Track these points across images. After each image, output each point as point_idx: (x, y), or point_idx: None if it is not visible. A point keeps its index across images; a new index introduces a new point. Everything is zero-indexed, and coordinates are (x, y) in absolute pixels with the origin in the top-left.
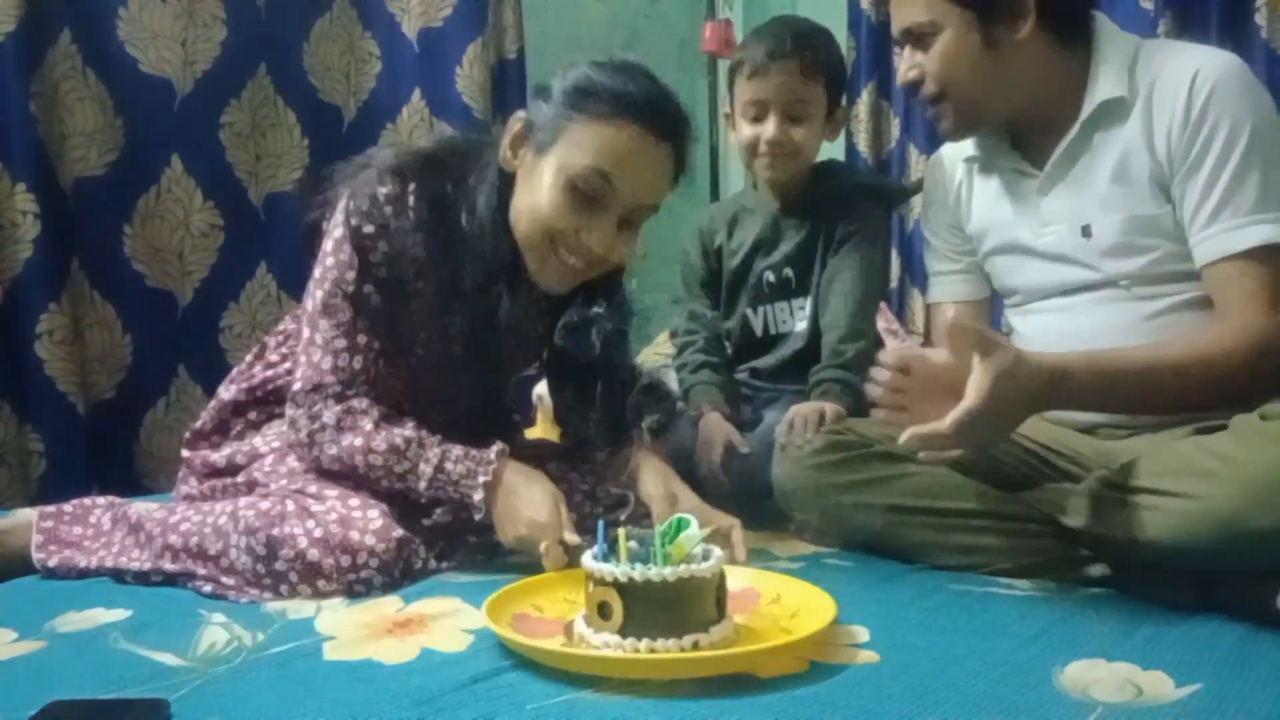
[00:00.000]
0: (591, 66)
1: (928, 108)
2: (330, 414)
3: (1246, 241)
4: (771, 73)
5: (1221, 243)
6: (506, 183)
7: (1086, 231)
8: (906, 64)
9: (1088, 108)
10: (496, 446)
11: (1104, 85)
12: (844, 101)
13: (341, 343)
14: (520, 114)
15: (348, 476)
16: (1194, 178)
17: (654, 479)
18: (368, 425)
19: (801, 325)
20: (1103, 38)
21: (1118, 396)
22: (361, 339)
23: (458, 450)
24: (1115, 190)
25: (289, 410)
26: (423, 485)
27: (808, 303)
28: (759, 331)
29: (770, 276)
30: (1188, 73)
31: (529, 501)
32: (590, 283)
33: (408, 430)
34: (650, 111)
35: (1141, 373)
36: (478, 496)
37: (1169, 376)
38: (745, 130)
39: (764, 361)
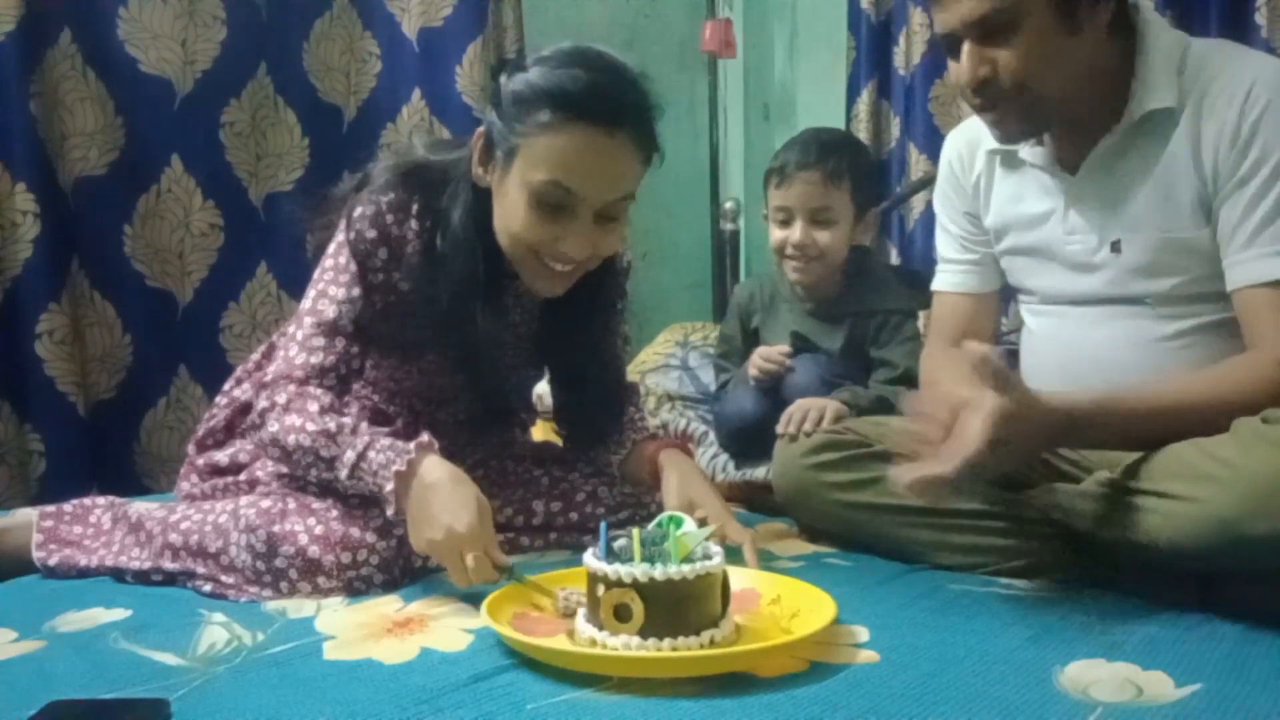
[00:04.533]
0: (534, 67)
1: (986, 111)
2: (283, 395)
3: None
4: (796, 181)
5: (1257, 268)
6: (486, 197)
7: (1116, 247)
8: (974, 61)
9: (1133, 114)
10: (421, 438)
11: (1152, 91)
12: (876, 206)
13: (318, 341)
14: (480, 130)
15: (282, 460)
16: (1236, 197)
17: (674, 485)
18: (313, 407)
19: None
20: (1148, 34)
21: (1134, 437)
22: (340, 342)
23: (384, 440)
24: (1153, 207)
25: (256, 400)
26: (344, 474)
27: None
28: None
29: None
30: (1242, 86)
31: (448, 506)
32: (591, 282)
33: (346, 419)
34: (594, 108)
35: (1163, 414)
36: (388, 487)
37: (1191, 416)
38: (775, 233)
39: None
